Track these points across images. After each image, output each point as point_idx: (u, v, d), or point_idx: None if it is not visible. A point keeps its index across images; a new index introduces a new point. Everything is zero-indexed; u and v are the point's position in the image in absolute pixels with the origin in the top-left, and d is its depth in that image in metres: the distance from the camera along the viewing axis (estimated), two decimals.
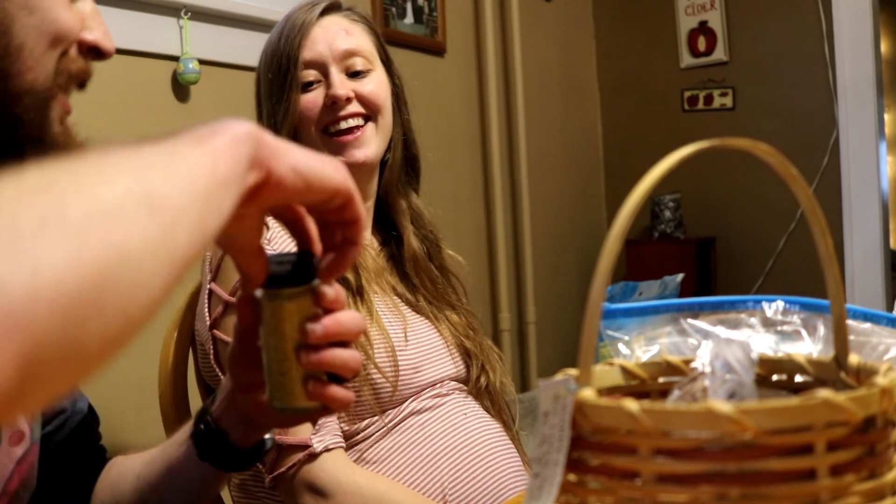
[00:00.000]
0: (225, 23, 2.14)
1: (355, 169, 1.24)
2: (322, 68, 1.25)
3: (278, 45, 1.26)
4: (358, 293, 1.21)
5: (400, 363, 1.19)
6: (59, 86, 0.70)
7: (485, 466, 1.20)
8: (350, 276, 1.20)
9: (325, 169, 0.59)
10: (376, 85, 1.27)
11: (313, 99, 1.25)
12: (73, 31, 0.70)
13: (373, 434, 1.19)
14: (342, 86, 1.24)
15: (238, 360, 0.74)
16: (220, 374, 1.16)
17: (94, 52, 0.72)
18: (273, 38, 1.28)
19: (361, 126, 1.25)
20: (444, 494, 1.16)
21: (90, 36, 0.71)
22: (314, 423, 1.10)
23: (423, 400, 1.22)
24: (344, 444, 1.15)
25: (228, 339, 1.13)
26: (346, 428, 1.17)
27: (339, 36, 1.26)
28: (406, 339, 1.23)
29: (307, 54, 1.25)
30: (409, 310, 1.29)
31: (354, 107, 1.24)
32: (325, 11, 1.28)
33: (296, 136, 1.26)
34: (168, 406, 1.29)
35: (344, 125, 1.24)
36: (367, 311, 1.21)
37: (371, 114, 1.26)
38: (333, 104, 1.23)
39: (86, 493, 0.90)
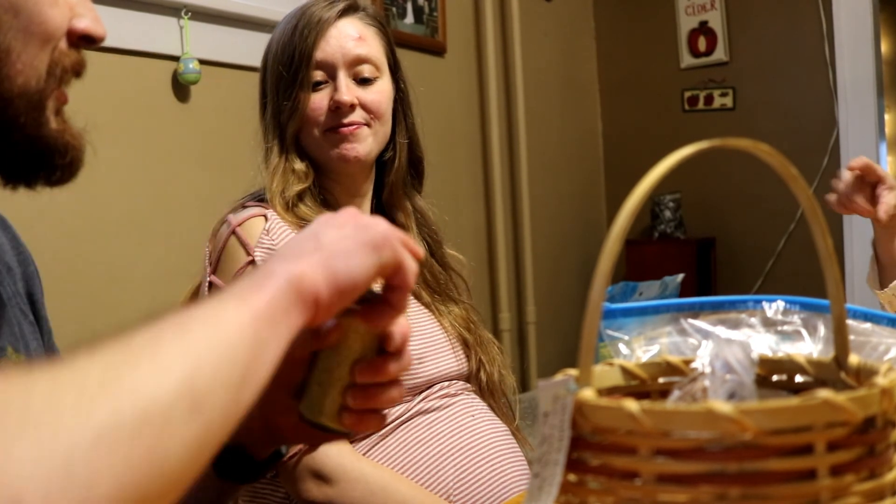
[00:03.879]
0: (225, 23, 2.14)
1: (351, 164, 1.26)
2: (331, 70, 1.26)
3: (292, 39, 1.26)
4: None
5: None
6: (54, 82, 0.69)
7: (490, 469, 1.20)
8: None
9: (352, 270, 0.58)
10: (379, 94, 1.28)
11: (319, 100, 1.26)
12: (61, 27, 0.69)
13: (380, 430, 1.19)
14: (348, 92, 1.25)
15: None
16: None
17: (85, 40, 0.71)
18: (286, 31, 1.28)
19: (359, 126, 1.27)
20: (449, 495, 1.17)
21: (80, 24, 0.70)
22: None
23: (431, 399, 1.23)
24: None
25: None
26: None
27: (353, 41, 1.27)
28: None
29: (319, 54, 1.26)
30: (412, 298, 1.30)
31: (357, 115, 1.26)
32: (344, 12, 1.29)
33: (299, 132, 1.27)
34: None
35: (344, 131, 1.26)
36: None
37: (369, 121, 1.28)
38: (338, 109, 1.25)
39: None
